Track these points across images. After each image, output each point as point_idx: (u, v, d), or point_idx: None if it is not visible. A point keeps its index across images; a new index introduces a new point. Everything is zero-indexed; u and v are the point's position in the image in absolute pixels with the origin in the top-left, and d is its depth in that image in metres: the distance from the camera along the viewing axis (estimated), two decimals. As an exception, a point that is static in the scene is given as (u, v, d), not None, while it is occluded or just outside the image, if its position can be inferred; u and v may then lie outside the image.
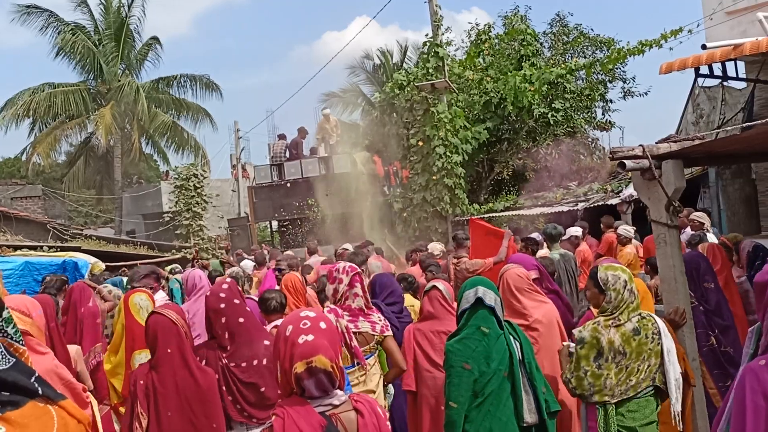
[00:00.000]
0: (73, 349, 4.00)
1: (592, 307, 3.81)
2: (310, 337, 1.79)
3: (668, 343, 3.05)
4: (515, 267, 4.10)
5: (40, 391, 1.41)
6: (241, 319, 3.22)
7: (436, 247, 8.34)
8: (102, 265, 9.07)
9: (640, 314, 3.08)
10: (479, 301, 3.04)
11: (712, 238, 6.77)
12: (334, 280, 3.82)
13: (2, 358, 1.39)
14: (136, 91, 23.64)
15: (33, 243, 13.28)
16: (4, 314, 1.48)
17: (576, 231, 8.07)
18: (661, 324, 3.08)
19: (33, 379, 1.44)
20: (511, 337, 3.06)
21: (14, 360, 1.40)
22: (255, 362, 3.12)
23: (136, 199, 25.73)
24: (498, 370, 2.96)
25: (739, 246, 5.01)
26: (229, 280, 3.50)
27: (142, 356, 4.01)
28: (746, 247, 4.98)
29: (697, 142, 3.82)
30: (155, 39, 26.77)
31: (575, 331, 3.12)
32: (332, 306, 3.73)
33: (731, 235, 5.83)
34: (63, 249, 11.49)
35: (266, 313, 4.11)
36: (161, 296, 6.06)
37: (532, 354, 3.13)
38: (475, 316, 3.03)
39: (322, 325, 1.84)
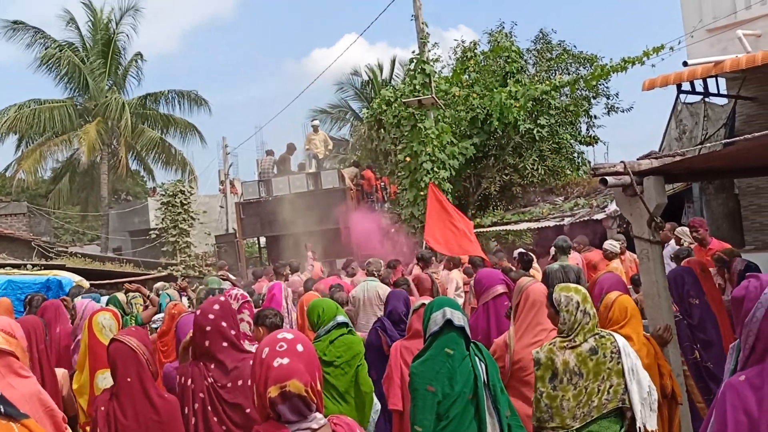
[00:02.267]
0: (60, 373, 3.93)
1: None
2: (285, 361, 1.76)
3: (630, 362, 2.98)
4: (538, 282, 4.05)
5: (2, 410, 1.43)
6: (225, 344, 3.17)
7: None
8: (86, 284, 8.95)
9: (599, 333, 3.03)
10: (448, 323, 3.00)
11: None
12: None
13: None
14: (121, 107, 23.56)
15: (17, 261, 13.11)
16: None
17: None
18: (622, 343, 3.01)
19: None
20: (477, 359, 3.03)
21: None
22: (240, 383, 3.08)
23: (122, 215, 25.54)
24: (462, 393, 2.93)
25: (731, 264, 5.04)
26: (222, 299, 3.42)
27: (105, 376, 3.95)
28: (738, 266, 5.01)
29: (677, 158, 3.87)
30: (139, 55, 26.78)
31: (533, 352, 3.10)
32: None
33: (727, 249, 5.83)
34: (47, 267, 11.35)
35: (269, 329, 4.02)
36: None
37: (498, 376, 3.09)
38: (442, 338, 3.00)
39: (299, 347, 1.81)
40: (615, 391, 2.93)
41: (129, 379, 2.89)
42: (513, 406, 3.12)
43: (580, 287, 3.12)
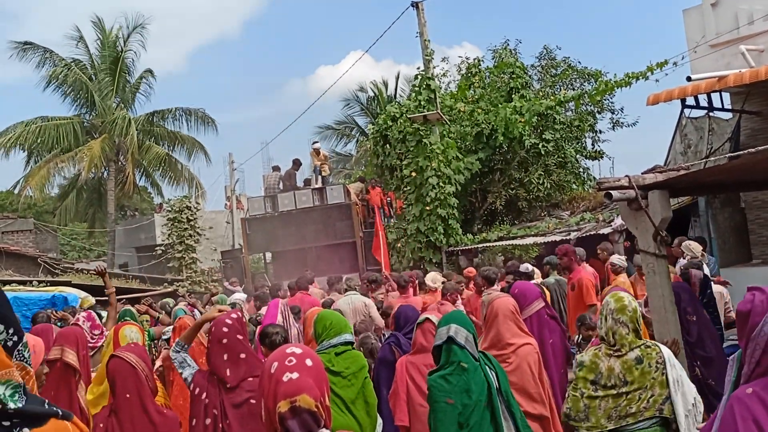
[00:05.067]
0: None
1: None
2: (295, 375, 1.77)
3: (675, 373, 3.00)
4: (506, 297, 4.11)
5: (60, 413, 1.58)
6: (243, 355, 3.17)
7: (437, 278, 8.33)
8: (92, 300, 8.98)
9: (644, 343, 3.06)
10: (450, 339, 3.15)
11: (704, 268, 6.82)
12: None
13: (19, 397, 1.51)
14: (127, 123, 23.77)
15: (23, 278, 13.17)
16: (24, 340, 1.65)
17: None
18: (667, 354, 3.05)
19: (46, 404, 1.58)
20: (488, 368, 3.20)
21: (26, 397, 1.54)
22: (253, 401, 3.06)
23: (129, 231, 25.65)
24: (479, 402, 3.10)
25: (690, 275, 5.07)
26: (236, 315, 3.41)
27: None
28: (697, 275, 5.07)
29: (682, 172, 3.87)
30: (149, 72, 27.02)
31: (578, 356, 3.18)
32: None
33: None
34: (53, 284, 11.39)
35: (270, 348, 4.01)
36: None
37: (508, 383, 3.28)
38: (452, 352, 3.16)
39: (309, 362, 1.81)
40: (655, 401, 2.95)
41: (128, 396, 2.90)
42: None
43: (624, 297, 3.12)
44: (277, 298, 6.77)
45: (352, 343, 4.08)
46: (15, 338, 1.59)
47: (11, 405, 1.48)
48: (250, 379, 3.09)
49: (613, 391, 2.95)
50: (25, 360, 1.63)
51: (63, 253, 26.80)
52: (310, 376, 1.79)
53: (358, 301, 6.96)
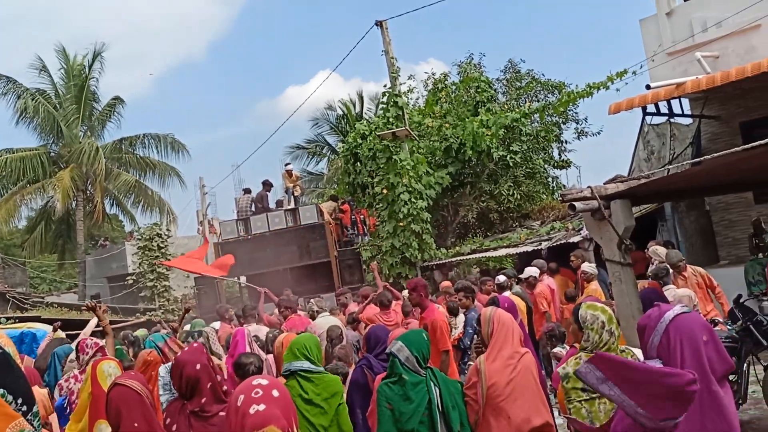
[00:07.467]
0: (41, 392, 3.84)
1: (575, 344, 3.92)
2: (262, 407, 1.76)
3: None
4: (501, 309, 4.15)
5: None
6: (209, 385, 3.12)
7: None
8: (61, 333, 8.74)
9: (620, 349, 3.14)
10: (392, 354, 3.54)
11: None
12: (83, 351, 4.44)
13: None
14: (95, 151, 23.39)
15: (-10, 314, 12.78)
16: (34, 409, 1.61)
17: (533, 271, 8.19)
18: (641, 354, 3.10)
19: None
20: (432, 383, 3.52)
21: None
22: None
23: (99, 261, 25.13)
24: (417, 410, 3.46)
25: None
26: (196, 344, 3.37)
27: (104, 426, 3.86)
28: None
29: (642, 181, 3.97)
30: (118, 99, 26.68)
31: (559, 370, 3.21)
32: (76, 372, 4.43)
33: None
34: (22, 320, 11.09)
35: (243, 378, 3.93)
36: None
37: (449, 397, 3.57)
38: (395, 365, 3.54)
39: (275, 393, 1.81)
40: None
41: (137, 425, 2.79)
42: (466, 421, 3.54)
43: (606, 307, 3.24)
44: (242, 327, 6.61)
45: (314, 371, 3.96)
46: (24, 408, 1.58)
47: None
48: (222, 414, 3.04)
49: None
50: (35, 429, 1.61)
51: (33, 287, 26.15)
52: (277, 406, 1.78)
53: (334, 322, 6.93)
